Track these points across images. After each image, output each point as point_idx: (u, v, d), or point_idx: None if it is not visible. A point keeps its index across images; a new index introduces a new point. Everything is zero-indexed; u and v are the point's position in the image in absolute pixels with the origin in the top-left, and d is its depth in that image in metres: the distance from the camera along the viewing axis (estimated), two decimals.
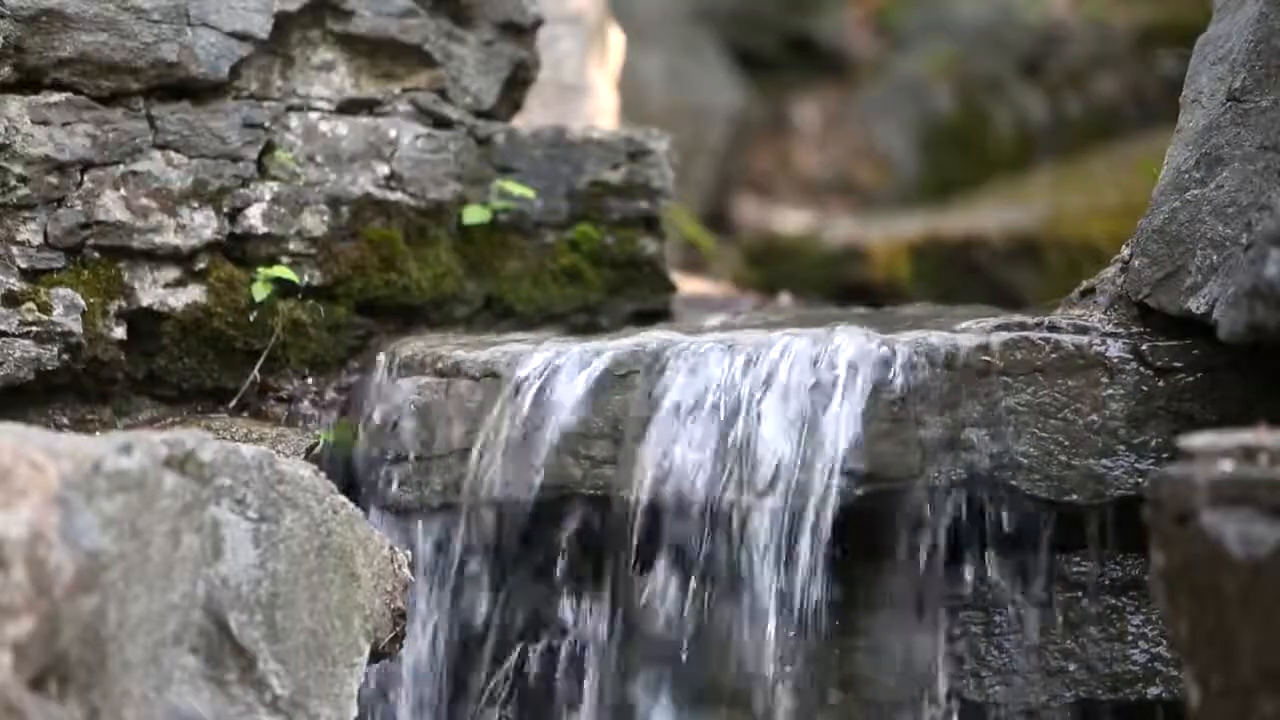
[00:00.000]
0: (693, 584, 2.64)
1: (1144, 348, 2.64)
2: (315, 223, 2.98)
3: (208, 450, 2.16)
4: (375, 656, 2.35)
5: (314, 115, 3.01)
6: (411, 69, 3.09)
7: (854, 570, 2.64)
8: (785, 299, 4.08)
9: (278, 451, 2.40)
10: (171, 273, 2.89)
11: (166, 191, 2.86)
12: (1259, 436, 1.99)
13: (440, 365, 2.80)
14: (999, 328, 2.70)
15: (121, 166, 2.84)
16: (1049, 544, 2.64)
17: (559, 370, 2.71)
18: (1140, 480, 2.57)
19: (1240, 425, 2.14)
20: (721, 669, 2.67)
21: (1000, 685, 2.63)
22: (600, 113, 4.15)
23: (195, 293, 2.90)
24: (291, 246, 2.97)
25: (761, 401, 2.63)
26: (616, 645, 2.68)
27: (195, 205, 2.88)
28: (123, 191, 2.84)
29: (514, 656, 2.73)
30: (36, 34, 2.77)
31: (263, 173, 2.95)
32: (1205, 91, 2.76)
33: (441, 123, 3.10)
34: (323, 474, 2.33)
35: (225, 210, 2.91)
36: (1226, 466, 1.94)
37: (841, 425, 2.60)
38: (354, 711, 2.28)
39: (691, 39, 6.67)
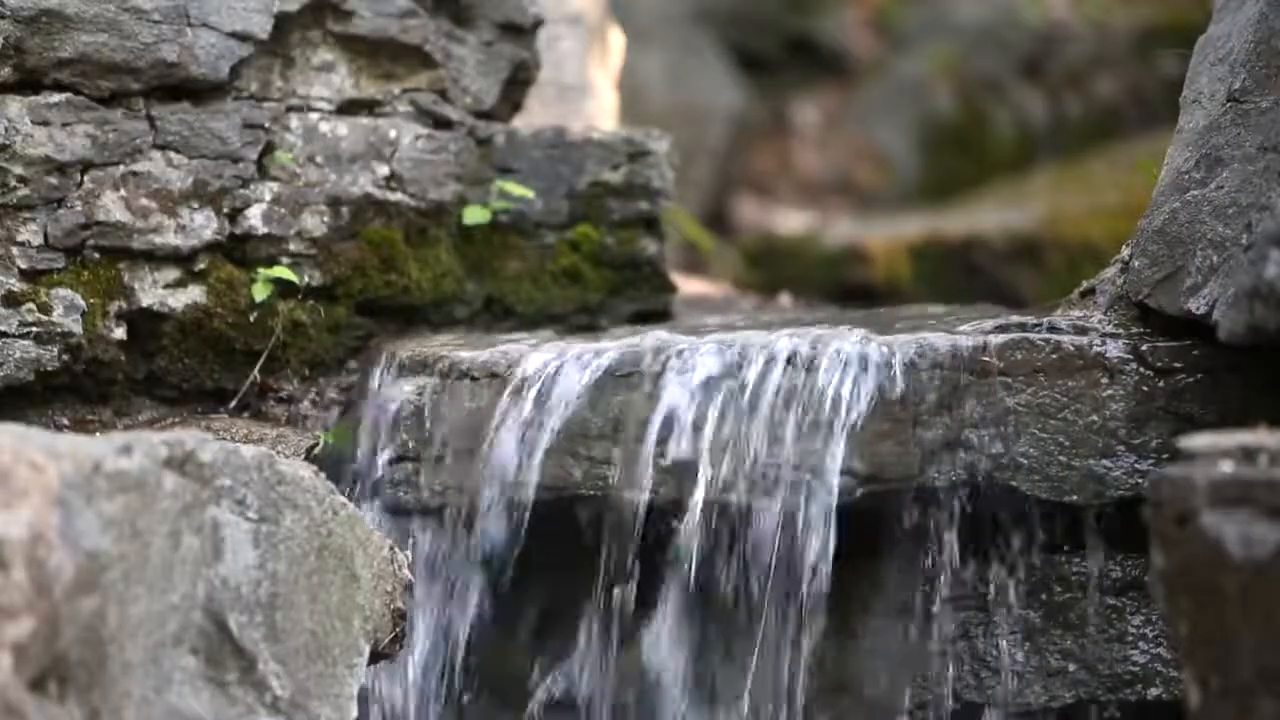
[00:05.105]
0: (693, 585, 2.64)
1: (1144, 348, 2.64)
2: (315, 223, 2.98)
3: (208, 451, 2.16)
4: (375, 657, 2.35)
5: (314, 116, 3.01)
6: (412, 69, 3.09)
7: (854, 571, 2.64)
8: (785, 300, 4.08)
9: (278, 452, 2.40)
10: (171, 273, 2.89)
11: (166, 192, 2.86)
12: (1259, 437, 1.99)
13: (440, 366, 2.80)
14: (999, 328, 2.70)
15: (121, 167, 2.84)
16: (1049, 544, 2.64)
17: (559, 371, 2.71)
18: (1140, 481, 2.57)
19: (1240, 426, 2.14)
20: (721, 669, 2.67)
21: (1000, 685, 2.63)
22: (600, 113, 4.14)
23: (195, 293, 2.90)
24: (291, 247, 2.97)
25: (761, 402, 2.63)
26: (616, 645, 2.68)
27: (195, 206, 2.89)
28: (123, 192, 2.84)
29: (514, 656, 2.73)
30: (36, 34, 2.77)
31: (263, 173, 2.95)
32: (1205, 92, 2.76)
33: (441, 123, 3.10)
34: (323, 474, 2.33)
35: (225, 211, 2.91)
36: (1226, 467, 1.94)
37: (841, 426, 2.60)
38: (354, 712, 2.28)
39: (691, 39, 6.68)
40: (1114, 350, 2.64)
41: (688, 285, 3.70)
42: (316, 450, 2.82)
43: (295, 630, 2.23)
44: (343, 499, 2.32)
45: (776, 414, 2.62)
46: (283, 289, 2.94)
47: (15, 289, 2.76)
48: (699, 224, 5.34)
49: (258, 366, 2.94)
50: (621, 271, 3.19)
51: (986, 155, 6.60)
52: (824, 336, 2.68)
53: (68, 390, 2.85)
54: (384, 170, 3.04)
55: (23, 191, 2.77)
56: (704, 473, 2.61)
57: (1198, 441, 2.00)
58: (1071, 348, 2.64)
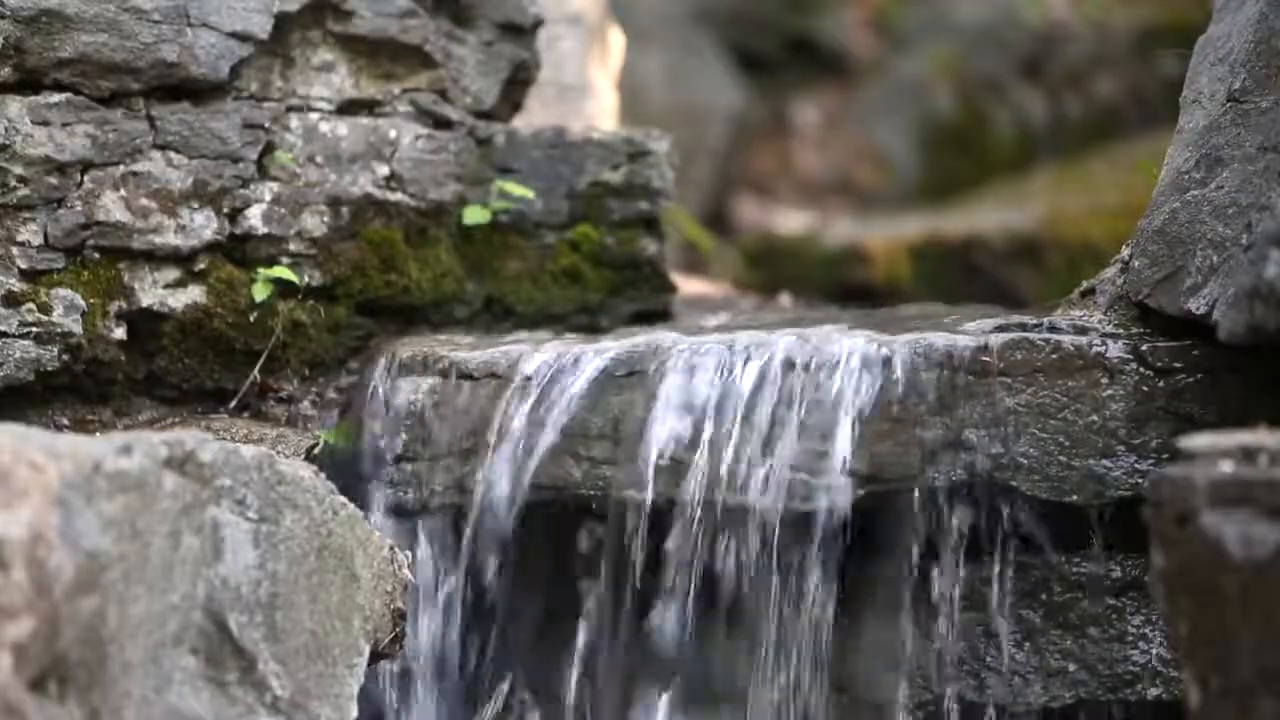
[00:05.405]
0: (692, 586, 2.63)
1: (1144, 348, 2.64)
2: (315, 223, 2.98)
3: (208, 451, 2.16)
4: (375, 657, 2.35)
5: (314, 116, 3.01)
6: (412, 69, 3.09)
7: (854, 571, 2.64)
8: (785, 300, 4.08)
9: (278, 452, 2.40)
10: (171, 273, 2.89)
11: (166, 192, 2.86)
12: (1259, 437, 1.99)
13: (440, 366, 2.80)
14: (999, 328, 2.70)
15: (121, 167, 2.84)
16: (1049, 544, 2.64)
17: (559, 371, 2.71)
18: (1140, 481, 2.57)
19: (1240, 426, 2.14)
20: (721, 669, 2.67)
21: (1000, 685, 2.63)
22: (600, 113, 4.14)
23: (195, 293, 2.90)
24: (291, 247, 2.97)
25: (761, 402, 2.63)
26: (617, 645, 2.68)
27: (195, 206, 2.89)
28: (123, 192, 2.84)
29: (513, 654, 2.73)
30: (36, 34, 2.77)
31: (263, 173, 2.95)
32: (1205, 92, 2.76)
33: (441, 123, 3.10)
34: (323, 474, 2.33)
35: (225, 211, 2.91)
36: (1226, 467, 1.94)
37: (841, 426, 2.60)
38: (354, 712, 2.28)
39: (691, 39, 6.68)
40: (1114, 350, 2.64)
41: (688, 285, 3.70)
42: (316, 450, 2.82)
43: (295, 630, 2.23)
44: (343, 499, 2.33)
45: (776, 414, 2.62)
46: (283, 289, 2.94)
47: (15, 289, 2.76)
48: (699, 224, 5.34)
49: (258, 366, 2.94)
50: (621, 271, 3.19)
51: (986, 155, 6.60)
52: (824, 336, 2.68)
53: (68, 390, 2.85)
54: (384, 170, 3.04)
55: (23, 191, 2.77)
56: (704, 473, 2.61)
57: (1198, 441, 2.00)
58: (1071, 348, 2.64)
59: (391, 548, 2.39)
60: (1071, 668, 2.63)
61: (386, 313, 3.05)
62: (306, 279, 2.97)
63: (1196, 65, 2.81)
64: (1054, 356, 2.63)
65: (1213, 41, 2.80)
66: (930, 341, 2.65)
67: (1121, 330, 2.69)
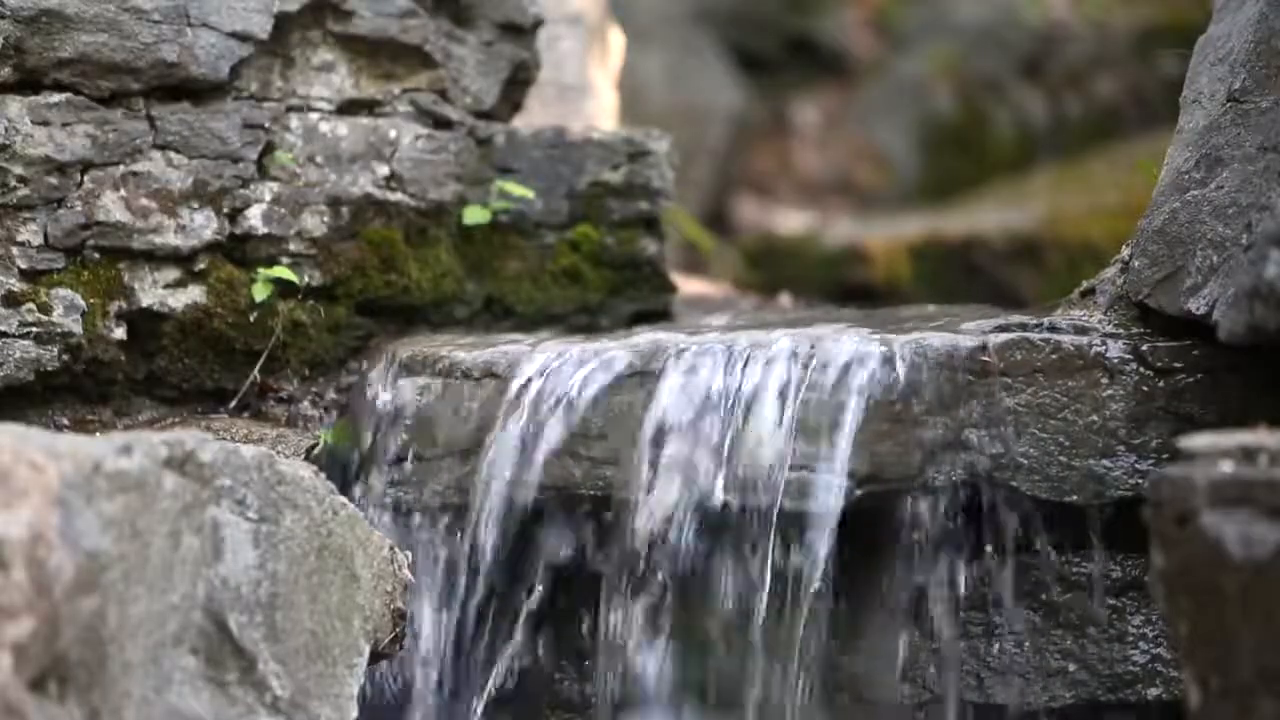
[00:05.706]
0: (692, 586, 2.64)
1: (1144, 348, 2.64)
2: (315, 223, 2.98)
3: (208, 451, 2.16)
4: (375, 657, 2.35)
5: (314, 116, 3.01)
6: (412, 69, 3.09)
7: (854, 571, 2.64)
8: (785, 300, 4.08)
9: (278, 452, 2.40)
10: (171, 273, 2.89)
11: (166, 192, 2.86)
12: (1259, 437, 1.99)
13: (440, 366, 2.80)
14: (999, 328, 2.70)
15: (121, 167, 2.84)
16: (1049, 544, 2.64)
17: (559, 371, 2.71)
18: (1140, 481, 2.57)
19: (1240, 426, 2.14)
20: (720, 669, 2.67)
21: (1000, 685, 2.63)
22: (600, 113, 4.14)
23: (195, 293, 2.90)
24: (291, 247, 2.97)
25: (760, 402, 2.63)
26: (615, 645, 2.68)
27: (195, 206, 2.89)
28: (123, 192, 2.84)
29: (513, 655, 2.73)
30: (36, 34, 2.77)
31: (263, 173, 2.95)
32: (1205, 92, 2.76)
33: (441, 123, 3.10)
34: (322, 474, 2.33)
35: (225, 211, 2.91)
36: (1226, 467, 1.94)
37: (841, 426, 2.60)
38: (354, 712, 2.28)
39: (691, 39, 6.68)
40: (1114, 350, 2.64)
41: (688, 285, 3.70)
42: (316, 450, 2.82)
43: (295, 630, 2.23)
44: (343, 499, 2.33)
45: (776, 414, 2.62)
46: (283, 289, 2.95)
47: (15, 289, 2.77)
48: (699, 224, 5.34)
49: (258, 366, 2.94)
50: (621, 271, 3.19)
51: (986, 155, 6.60)
52: (823, 336, 2.68)
53: (68, 390, 2.85)
54: (384, 170, 3.04)
55: (23, 191, 2.77)
56: (704, 472, 2.61)
57: (1198, 441, 2.00)
58: (1071, 348, 2.64)
59: (391, 548, 2.39)
60: (1071, 668, 2.63)
61: (386, 313, 3.05)
62: (306, 279, 2.97)
63: (1196, 65, 2.81)
64: (1054, 356, 2.63)
65: (1213, 41, 2.80)
66: (930, 341, 2.65)
67: (1121, 330, 2.69)
